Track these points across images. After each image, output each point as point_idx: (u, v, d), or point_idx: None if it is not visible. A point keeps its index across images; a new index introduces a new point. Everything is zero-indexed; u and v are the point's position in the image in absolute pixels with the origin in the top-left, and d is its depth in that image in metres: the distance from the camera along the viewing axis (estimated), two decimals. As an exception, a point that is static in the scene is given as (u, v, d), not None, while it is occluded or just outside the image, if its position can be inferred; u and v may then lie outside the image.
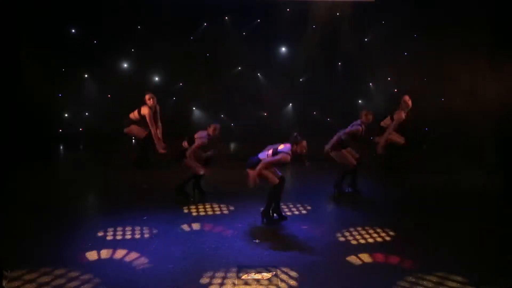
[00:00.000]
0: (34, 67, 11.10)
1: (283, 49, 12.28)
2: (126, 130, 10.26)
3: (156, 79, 12.17)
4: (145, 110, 10.06)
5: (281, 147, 8.04)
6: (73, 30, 11.63)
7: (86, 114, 11.99)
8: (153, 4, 11.42)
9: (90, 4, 11.20)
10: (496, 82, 11.27)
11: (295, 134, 8.14)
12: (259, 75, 12.41)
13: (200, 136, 8.87)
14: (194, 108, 12.34)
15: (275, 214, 8.29)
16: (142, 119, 10.16)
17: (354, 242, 7.78)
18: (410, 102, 10.07)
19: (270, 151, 8.07)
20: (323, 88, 12.22)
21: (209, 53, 11.68)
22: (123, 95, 11.81)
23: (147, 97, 10.12)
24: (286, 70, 12.00)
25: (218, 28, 11.85)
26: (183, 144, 8.91)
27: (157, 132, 10.09)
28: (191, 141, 8.84)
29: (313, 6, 11.29)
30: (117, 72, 11.98)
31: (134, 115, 10.27)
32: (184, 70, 11.65)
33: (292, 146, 8.04)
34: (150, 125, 10.04)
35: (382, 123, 10.31)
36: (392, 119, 10.08)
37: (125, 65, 12.04)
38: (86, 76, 11.92)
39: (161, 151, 10.02)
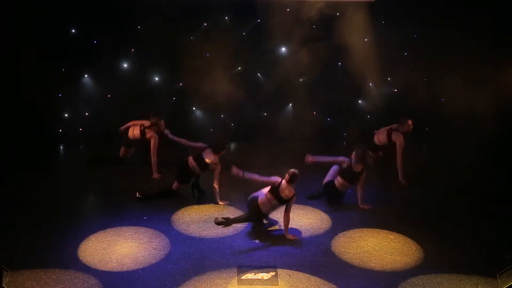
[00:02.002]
0: (34, 67, 11.08)
1: (283, 49, 12.27)
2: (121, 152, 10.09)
3: (156, 79, 12.16)
4: (151, 135, 9.73)
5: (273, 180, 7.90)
6: (73, 30, 11.62)
7: (86, 114, 11.99)
8: (153, 4, 11.40)
9: (90, 4, 11.19)
10: (498, 81, 11.26)
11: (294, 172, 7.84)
12: (259, 75, 12.40)
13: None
14: (194, 108, 12.34)
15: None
16: (141, 142, 9.90)
17: (355, 243, 7.79)
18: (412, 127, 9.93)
19: (267, 190, 7.89)
20: (323, 88, 12.22)
21: (209, 53, 11.67)
22: (123, 95, 11.80)
23: (162, 122, 9.78)
24: (286, 70, 11.98)
25: (218, 28, 11.83)
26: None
27: (155, 160, 9.72)
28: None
29: (313, 6, 11.27)
30: (117, 72, 11.96)
31: (133, 134, 9.94)
32: (184, 70, 11.63)
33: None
34: (152, 153, 9.68)
35: (376, 140, 10.17)
36: (389, 138, 9.91)
37: (125, 65, 12.03)
38: (86, 76, 11.91)
39: (156, 176, 9.70)
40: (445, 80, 11.66)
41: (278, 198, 7.80)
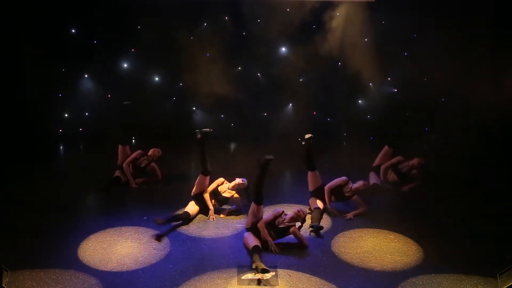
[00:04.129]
0: (34, 67, 11.09)
1: (283, 49, 12.27)
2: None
3: (156, 79, 12.18)
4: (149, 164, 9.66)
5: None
6: (73, 30, 11.62)
7: (86, 114, 11.99)
8: (152, 4, 11.41)
9: (90, 4, 11.19)
10: (498, 81, 11.25)
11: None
12: (259, 75, 12.40)
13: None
14: (194, 108, 12.35)
15: None
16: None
17: (355, 243, 7.79)
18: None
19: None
20: (323, 88, 12.23)
21: (209, 53, 11.68)
22: (123, 95, 11.80)
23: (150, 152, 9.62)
24: (286, 70, 11.99)
25: (218, 28, 11.84)
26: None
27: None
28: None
29: (313, 6, 11.29)
30: (117, 72, 11.97)
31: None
32: (184, 70, 11.65)
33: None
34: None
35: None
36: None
37: (125, 65, 12.04)
38: (86, 76, 11.91)
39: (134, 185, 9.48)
40: (445, 79, 11.66)
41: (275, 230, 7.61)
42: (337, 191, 8.70)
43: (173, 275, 6.77)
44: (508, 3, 10.87)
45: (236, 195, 8.61)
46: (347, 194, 8.67)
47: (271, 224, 7.56)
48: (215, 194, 8.55)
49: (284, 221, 7.52)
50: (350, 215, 8.52)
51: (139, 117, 11.60)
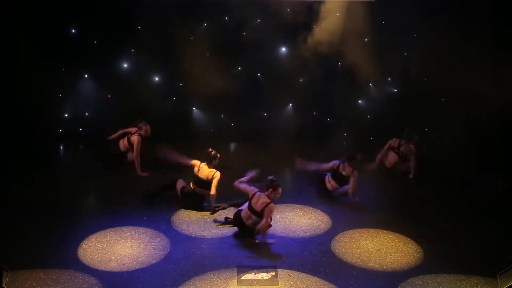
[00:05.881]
0: (34, 67, 11.08)
1: (283, 49, 12.28)
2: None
3: (156, 79, 12.18)
4: (135, 138, 9.95)
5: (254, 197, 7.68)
6: (73, 30, 11.62)
7: (86, 114, 11.99)
8: (152, 4, 11.41)
9: (90, 4, 11.19)
10: (498, 81, 11.25)
11: (271, 178, 7.70)
12: (259, 75, 12.41)
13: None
14: (194, 108, 12.35)
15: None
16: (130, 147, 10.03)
17: (355, 243, 7.79)
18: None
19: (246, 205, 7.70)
20: (323, 88, 12.23)
21: (209, 53, 11.68)
22: (123, 95, 11.81)
23: (147, 127, 10.04)
24: (286, 70, 12.00)
25: (217, 28, 11.85)
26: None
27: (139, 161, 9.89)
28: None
29: (313, 6, 11.30)
30: (117, 72, 11.97)
31: (124, 145, 10.06)
32: (184, 70, 11.64)
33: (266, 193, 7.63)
34: (135, 154, 9.86)
35: (388, 164, 10.30)
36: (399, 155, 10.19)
37: (125, 65, 12.04)
38: (86, 76, 11.91)
39: (142, 175, 9.83)
40: (445, 79, 11.66)
41: (253, 212, 7.63)
42: (335, 176, 9.00)
43: (173, 275, 6.78)
44: (508, 3, 10.88)
45: (216, 174, 8.48)
46: (345, 174, 8.92)
47: (251, 208, 7.63)
48: (197, 181, 8.56)
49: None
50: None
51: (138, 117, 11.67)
